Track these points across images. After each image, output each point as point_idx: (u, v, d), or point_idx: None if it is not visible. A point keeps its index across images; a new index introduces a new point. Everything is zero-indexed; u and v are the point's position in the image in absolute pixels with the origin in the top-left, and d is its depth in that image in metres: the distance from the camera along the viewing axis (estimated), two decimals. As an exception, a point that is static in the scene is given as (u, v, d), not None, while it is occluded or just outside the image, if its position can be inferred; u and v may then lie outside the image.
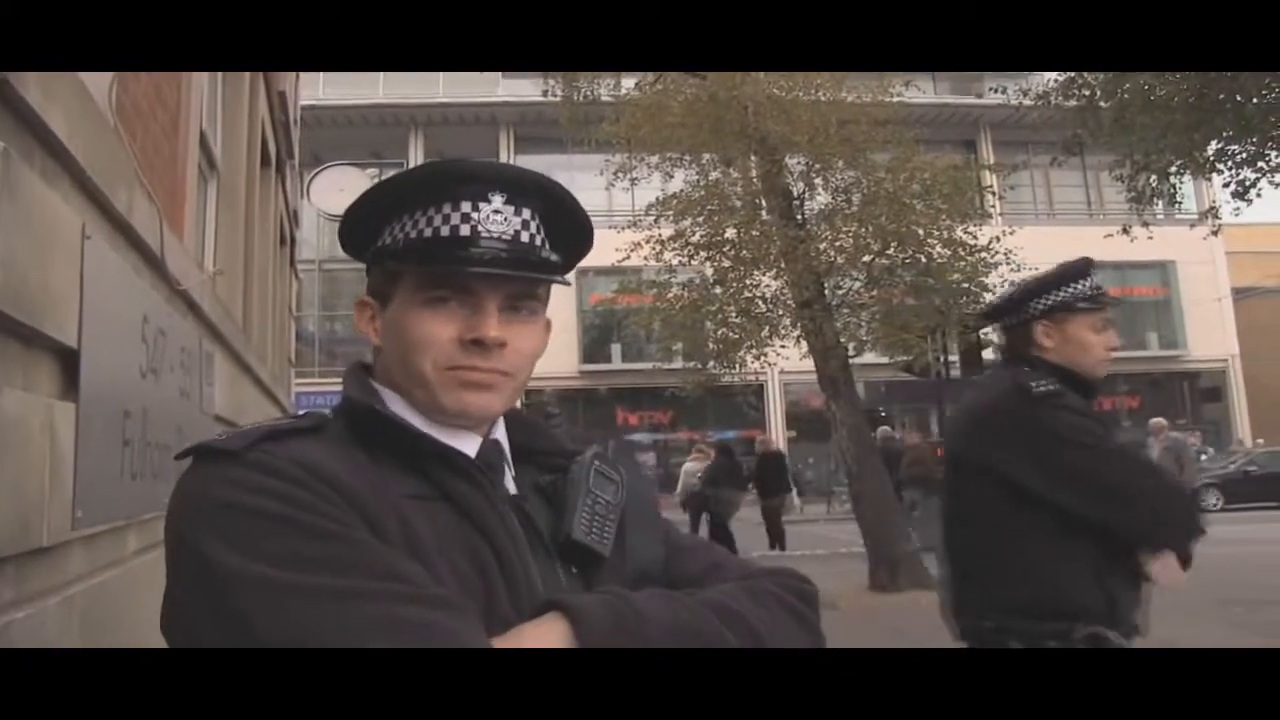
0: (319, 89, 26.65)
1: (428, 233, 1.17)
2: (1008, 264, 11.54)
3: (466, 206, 1.17)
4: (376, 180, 1.28)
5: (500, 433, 1.27)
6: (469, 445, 1.20)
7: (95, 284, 2.46)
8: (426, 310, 1.17)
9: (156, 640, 1.09)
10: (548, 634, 1.03)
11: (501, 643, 1.01)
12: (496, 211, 1.18)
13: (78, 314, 2.35)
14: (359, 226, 1.27)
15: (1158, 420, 16.60)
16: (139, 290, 3.08)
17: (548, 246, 1.23)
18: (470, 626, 0.99)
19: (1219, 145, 10.72)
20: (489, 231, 1.17)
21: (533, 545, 1.17)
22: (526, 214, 1.21)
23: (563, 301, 27.53)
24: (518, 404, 1.33)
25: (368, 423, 1.15)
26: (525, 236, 1.19)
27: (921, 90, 25.33)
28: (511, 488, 1.24)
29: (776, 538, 16.25)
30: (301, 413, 1.23)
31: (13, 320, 1.95)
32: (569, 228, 1.28)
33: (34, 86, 2.04)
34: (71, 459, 2.32)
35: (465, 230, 1.16)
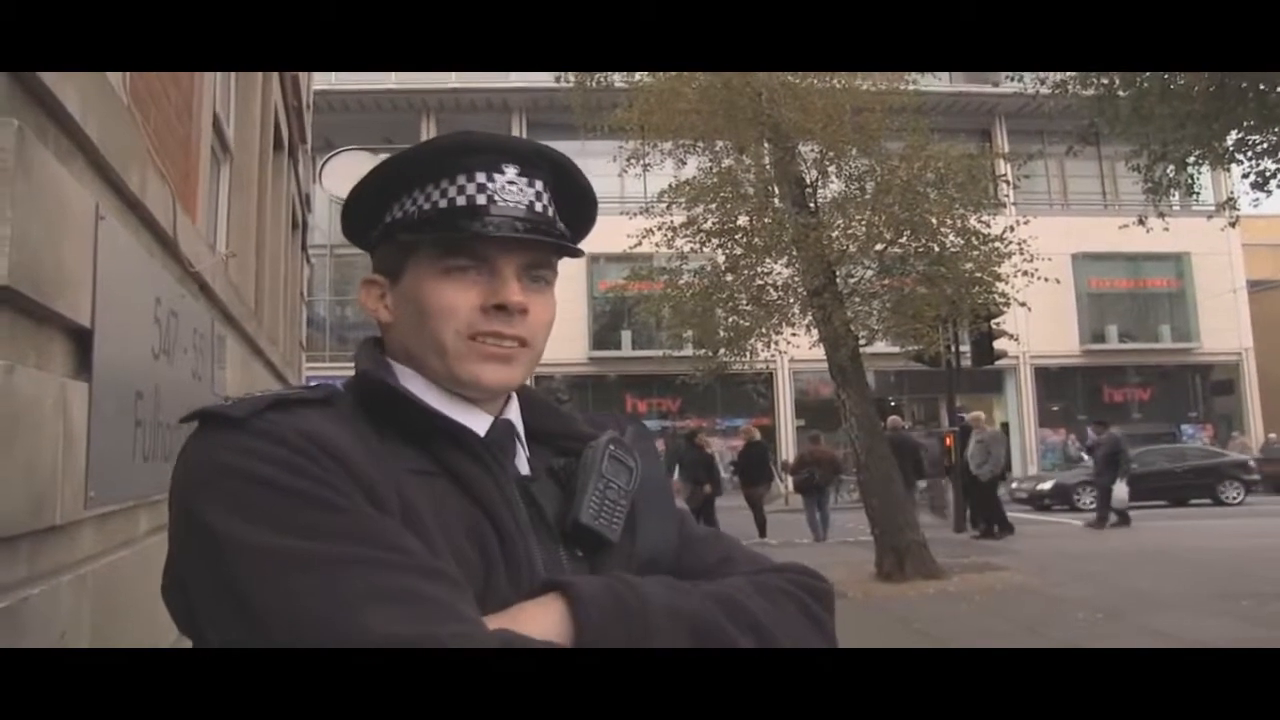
0: (331, 74, 26.61)
1: (442, 203, 1.18)
2: (1021, 254, 11.49)
3: (481, 177, 1.18)
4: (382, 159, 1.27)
5: (514, 413, 1.26)
6: (480, 423, 1.20)
7: (109, 264, 2.46)
8: (445, 279, 1.16)
9: (169, 620, 1.09)
10: (546, 613, 1.03)
11: (499, 620, 1.01)
12: (511, 182, 1.19)
13: (91, 294, 2.35)
14: (366, 204, 1.26)
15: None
16: (152, 271, 3.08)
17: (558, 217, 1.24)
18: (464, 600, 0.98)
19: (1239, 135, 10.61)
20: (505, 200, 1.17)
21: (538, 527, 1.16)
22: (539, 184, 1.22)
23: (573, 288, 27.70)
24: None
25: (377, 396, 1.15)
26: (539, 206, 1.20)
27: (937, 78, 25.27)
28: (524, 468, 1.23)
29: (759, 526, 16.36)
30: (312, 384, 1.22)
31: (26, 299, 1.95)
32: (576, 200, 1.29)
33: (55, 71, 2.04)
34: (84, 438, 2.32)
35: (481, 199, 1.17)
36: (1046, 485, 22.21)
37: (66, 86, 2.16)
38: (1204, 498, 21.59)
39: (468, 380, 1.17)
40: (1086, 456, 19.66)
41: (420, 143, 1.24)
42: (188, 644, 1.09)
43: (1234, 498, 21.57)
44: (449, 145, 1.21)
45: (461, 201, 1.17)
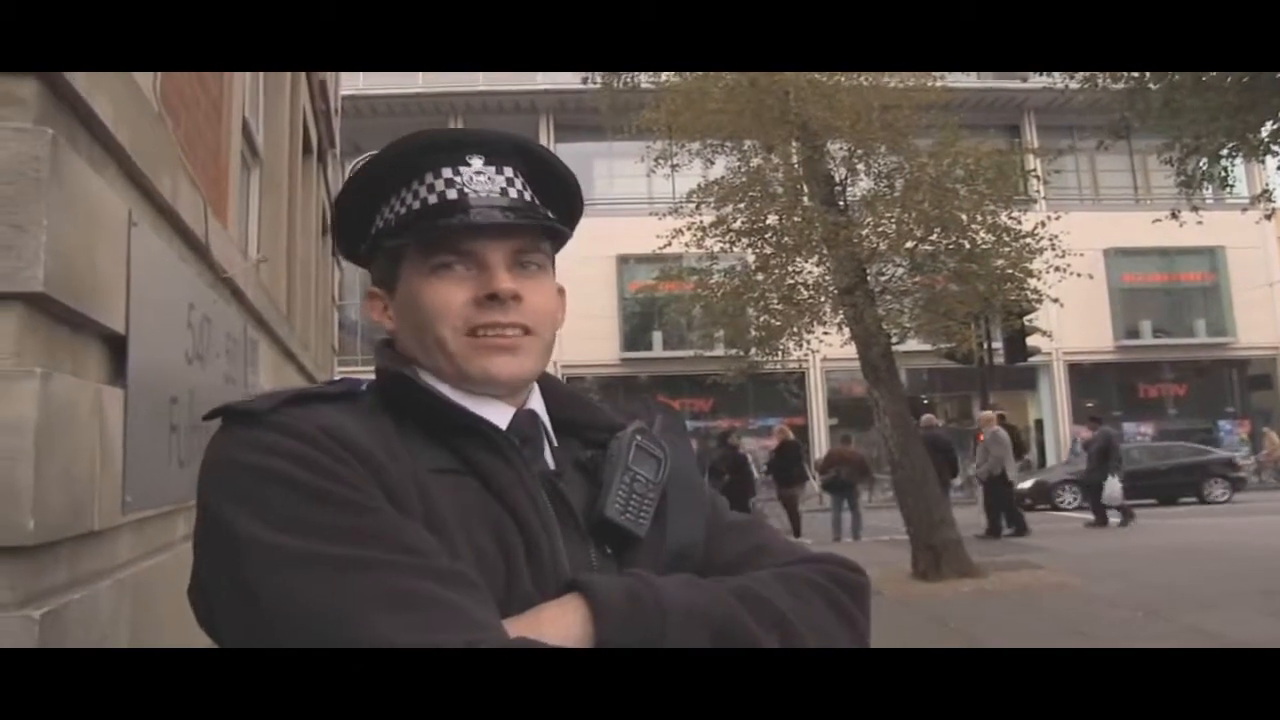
0: (359, 78, 26.73)
1: (416, 205, 1.17)
2: (1052, 250, 11.39)
3: (448, 172, 1.18)
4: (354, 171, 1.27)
5: (537, 403, 1.24)
6: (501, 416, 1.18)
7: (142, 270, 2.47)
8: (434, 279, 1.16)
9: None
10: (565, 613, 1.02)
11: (521, 622, 1.00)
12: (479, 172, 1.18)
13: (125, 300, 2.37)
14: (350, 219, 1.27)
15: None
16: (184, 277, 3.10)
17: (538, 202, 1.22)
18: (480, 603, 0.97)
19: (1274, 127, 10.42)
20: (476, 191, 1.17)
21: (564, 523, 1.14)
22: (509, 171, 1.21)
23: (603, 289, 27.72)
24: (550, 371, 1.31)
25: (399, 392, 1.14)
26: (513, 192, 1.19)
27: (965, 74, 25.09)
28: (550, 462, 1.21)
29: (794, 526, 16.31)
30: (335, 379, 1.22)
31: (62, 306, 1.96)
32: (554, 186, 1.27)
33: (81, 73, 2.05)
34: (120, 444, 2.34)
35: (452, 194, 1.16)
36: (1027, 484, 21.83)
37: (98, 94, 2.18)
38: (1190, 496, 21.15)
39: (478, 376, 1.16)
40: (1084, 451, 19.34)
41: (385, 147, 1.23)
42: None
43: (1220, 496, 21.08)
44: (412, 146, 1.21)
45: (434, 200, 1.16)
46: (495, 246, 1.16)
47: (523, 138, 1.25)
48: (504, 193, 1.18)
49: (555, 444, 1.24)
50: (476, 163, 1.19)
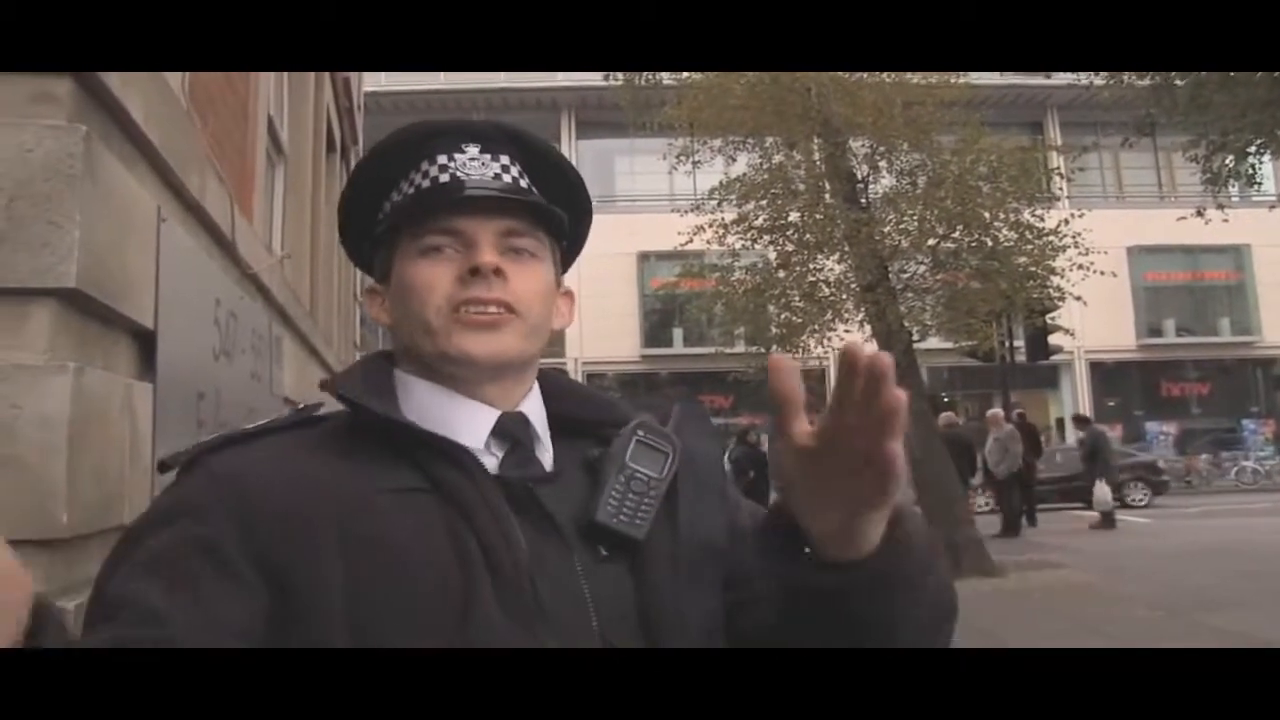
0: (381, 76, 26.77)
1: (410, 191, 1.18)
2: (1076, 248, 11.33)
3: (443, 158, 1.17)
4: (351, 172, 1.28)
5: (533, 405, 1.21)
6: (485, 419, 1.15)
7: (170, 266, 2.50)
8: (423, 260, 1.14)
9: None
10: None
11: None
12: (473, 159, 1.18)
13: (154, 296, 2.39)
14: (355, 223, 1.27)
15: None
16: (211, 273, 3.12)
17: (535, 191, 1.21)
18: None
19: (1304, 122, 10.37)
20: (469, 175, 1.16)
21: (542, 532, 1.09)
22: (505, 159, 1.20)
23: (624, 286, 27.72)
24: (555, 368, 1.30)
25: (357, 412, 1.13)
26: (508, 178, 1.18)
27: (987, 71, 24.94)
28: (548, 465, 1.18)
29: None
30: (300, 406, 1.22)
31: (94, 301, 1.98)
32: (553, 176, 1.25)
33: (114, 73, 2.08)
34: (150, 439, 2.36)
35: (445, 178, 1.16)
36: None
37: (130, 93, 2.20)
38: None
39: (457, 355, 1.13)
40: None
41: (380, 140, 1.23)
42: None
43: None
44: (408, 136, 1.21)
45: (426, 185, 1.16)
46: (484, 224, 1.15)
47: (521, 129, 1.24)
48: (498, 176, 1.17)
49: (557, 446, 1.20)
50: (472, 149, 1.18)
